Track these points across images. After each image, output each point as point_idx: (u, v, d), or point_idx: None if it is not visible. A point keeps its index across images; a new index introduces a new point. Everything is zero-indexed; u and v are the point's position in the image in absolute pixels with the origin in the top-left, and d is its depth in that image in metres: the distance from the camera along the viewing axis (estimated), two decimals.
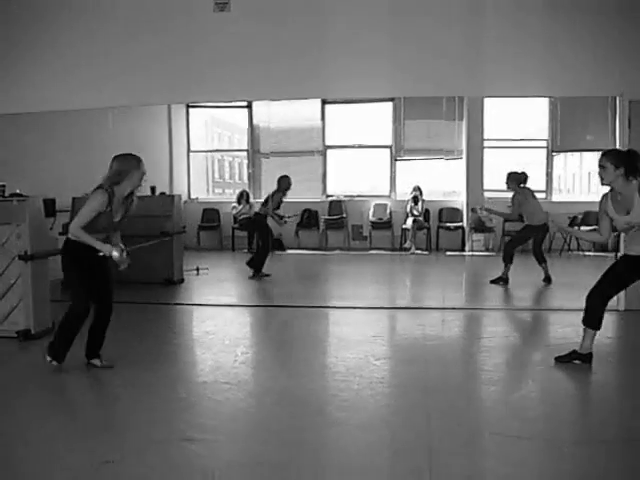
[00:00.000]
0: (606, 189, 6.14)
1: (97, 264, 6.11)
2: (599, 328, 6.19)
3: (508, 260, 10.95)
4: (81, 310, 6.09)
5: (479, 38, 8.90)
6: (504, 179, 10.93)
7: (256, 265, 11.84)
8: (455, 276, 12.83)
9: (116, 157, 6.04)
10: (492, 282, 10.89)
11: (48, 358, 6.18)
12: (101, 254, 5.98)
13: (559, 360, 6.34)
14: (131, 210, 6.29)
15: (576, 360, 6.26)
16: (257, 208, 16.34)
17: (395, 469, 4.27)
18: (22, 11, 9.73)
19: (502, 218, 13.92)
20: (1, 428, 4.90)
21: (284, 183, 11.96)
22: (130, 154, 6.12)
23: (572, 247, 14.99)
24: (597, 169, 6.05)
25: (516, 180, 10.83)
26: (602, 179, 6.03)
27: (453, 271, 13.53)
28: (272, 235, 12.45)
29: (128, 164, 6.00)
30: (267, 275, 11.85)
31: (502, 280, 10.83)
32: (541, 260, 10.93)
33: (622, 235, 6.87)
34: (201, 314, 9.12)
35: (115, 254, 5.95)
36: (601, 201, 6.19)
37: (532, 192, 11.04)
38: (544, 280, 10.83)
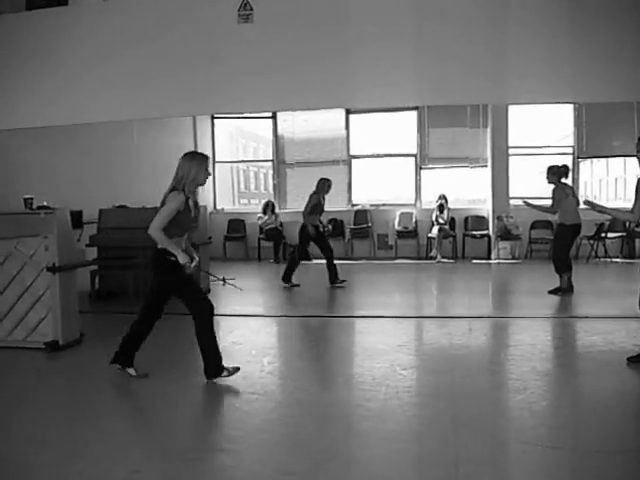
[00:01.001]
0: None
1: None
2: None
3: (565, 269, 10.54)
4: (208, 305, 6.24)
5: (502, 45, 8.89)
6: (544, 175, 10.63)
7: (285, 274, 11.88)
8: (481, 284, 12.79)
9: (183, 156, 6.07)
10: (550, 292, 10.55)
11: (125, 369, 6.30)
12: (173, 259, 5.96)
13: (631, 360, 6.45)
14: (199, 213, 6.35)
15: None
16: (282, 218, 16.45)
17: (422, 479, 4.26)
18: (47, 24, 9.86)
19: (536, 218, 13.70)
20: (29, 437, 4.93)
21: (321, 185, 11.92)
22: (195, 152, 6.19)
23: (599, 254, 14.89)
24: (624, 175, 6.14)
25: (557, 174, 10.51)
26: None
27: (479, 279, 13.48)
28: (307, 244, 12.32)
29: (191, 162, 6.02)
30: (297, 285, 11.87)
31: (561, 290, 10.51)
32: (564, 268, 10.55)
33: None
34: (228, 324, 9.14)
35: (187, 264, 5.94)
36: (638, 181, 6.31)
37: (572, 189, 10.79)
38: (556, 291, 10.55)
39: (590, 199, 6.84)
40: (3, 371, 6.80)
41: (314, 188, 12.00)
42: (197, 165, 6.00)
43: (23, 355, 7.36)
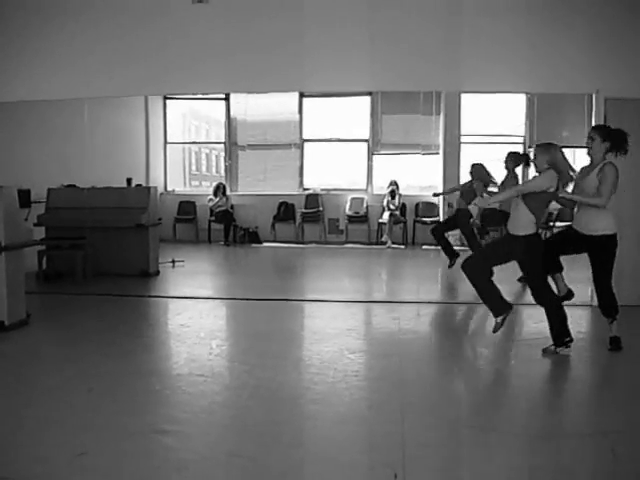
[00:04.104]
0: None
1: None
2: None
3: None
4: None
5: (457, 33, 8.93)
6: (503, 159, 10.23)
7: None
8: (431, 270, 12.89)
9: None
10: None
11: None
12: None
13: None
14: None
15: None
16: (233, 200, 16.39)
17: (369, 462, 4.29)
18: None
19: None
20: None
21: None
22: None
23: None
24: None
25: (514, 161, 10.17)
26: (589, 149, 6.61)
27: (429, 265, 13.58)
28: None
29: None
30: None
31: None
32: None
33: None
34: (176, 306, 9.09)
35: None
36: (605, 167, 6.54)
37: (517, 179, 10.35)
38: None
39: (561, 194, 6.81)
40: None
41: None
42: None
43: None
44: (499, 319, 6.59)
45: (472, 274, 6.60)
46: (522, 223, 6.33)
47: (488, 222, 11.16)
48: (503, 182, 10.26)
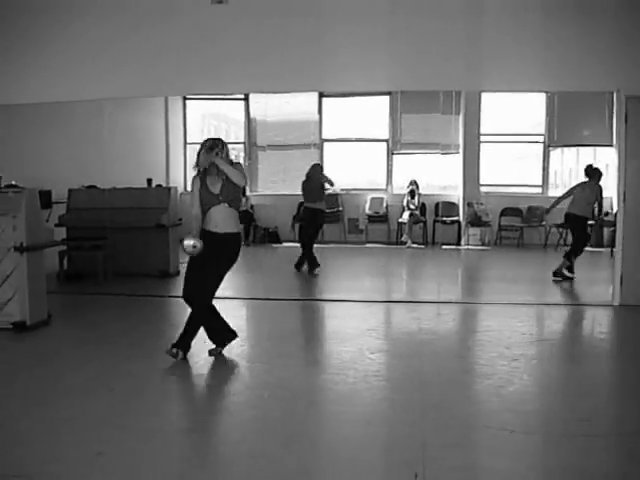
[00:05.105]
0: None
1: None
2: None
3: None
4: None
5: (477, 32, 8.90)
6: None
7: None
8: (451, 270, 12.86)
9: None
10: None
11: (174, 351, 6.31)
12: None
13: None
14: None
15: None
16: (253, 201, 16.40)
17: (389, 461, 4.29)
18: (26, 5, 9.74)
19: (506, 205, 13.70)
20: None
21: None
22: None
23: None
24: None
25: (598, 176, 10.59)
26: None
27: (449, 265, 13.55)
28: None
29: None
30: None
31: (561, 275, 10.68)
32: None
33: None
34: None
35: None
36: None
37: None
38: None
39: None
40: None
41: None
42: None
43: None
44: None
45: None
46: None
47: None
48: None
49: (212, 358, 6.39)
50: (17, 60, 9.75)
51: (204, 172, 6.33)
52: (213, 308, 6.50)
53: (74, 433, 4.64)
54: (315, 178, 11.87)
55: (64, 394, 5.52)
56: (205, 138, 6.46)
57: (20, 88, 9.69)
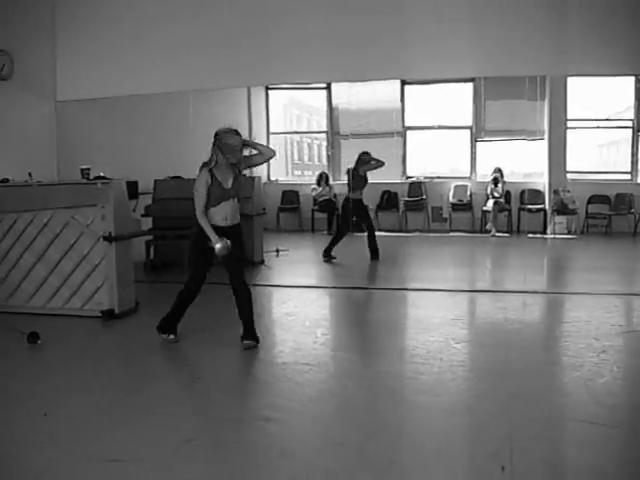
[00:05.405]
0: None
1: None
2: None
3: None
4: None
5: (562, 16, 8.72)
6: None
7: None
8: (537, 259, 12.65)
9: None
10: None
11: (165, 336, 6.50)
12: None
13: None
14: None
15: None
16: (337, 189, 16.39)
17: (474, 453, 4.24)
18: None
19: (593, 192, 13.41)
20: (86, 404, 5.02)
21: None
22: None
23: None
24: None
25: None
26: None
27: (535, 254, 13.33)
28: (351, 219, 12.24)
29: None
30: (334, 258, 11.81)
31: None
32: None
33: None
34: (281, 295, 9.18)
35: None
36: None
37: None
38: None
39: None
40: (60, 338, 6.91)
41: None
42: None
43: (80, 323, 7.49)
44: None
45: None
46: None
47: None
48: None
49: (297, 346, 6.42)
50: (115, 57, 9.99)
51: (210, 167, 6.22)
52: (192, 299, 6.58)
53: (162, 419, 4.71)
54: (355, 167, 11.80)
55: (152, 381, 5.62)
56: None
57: (116, 82, 9.92)
